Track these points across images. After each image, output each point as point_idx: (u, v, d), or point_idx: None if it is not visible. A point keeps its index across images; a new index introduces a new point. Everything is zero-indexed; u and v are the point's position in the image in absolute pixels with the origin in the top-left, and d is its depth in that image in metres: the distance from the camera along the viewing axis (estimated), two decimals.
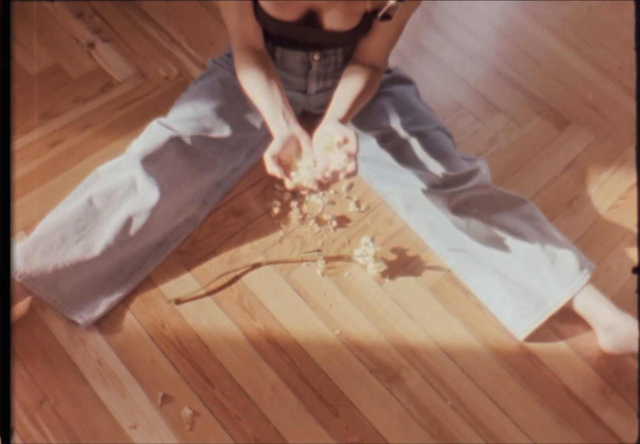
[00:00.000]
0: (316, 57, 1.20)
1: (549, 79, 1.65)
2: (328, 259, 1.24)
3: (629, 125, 1.56)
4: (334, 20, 1.07)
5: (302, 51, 1.19)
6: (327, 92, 1.29)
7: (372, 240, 1.27)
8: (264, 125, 1.28)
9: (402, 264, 1.26)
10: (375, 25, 1.10)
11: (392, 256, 1.26)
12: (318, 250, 1.25)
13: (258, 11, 1.09)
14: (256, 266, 1.23)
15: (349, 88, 1.12)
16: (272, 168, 0.96)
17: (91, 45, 1.54)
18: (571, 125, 1.55)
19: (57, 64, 1.49)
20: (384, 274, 1.24)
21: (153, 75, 1.50)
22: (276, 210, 1.29)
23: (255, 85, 1.09)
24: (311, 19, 1.07)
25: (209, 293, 1.19)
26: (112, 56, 1.52)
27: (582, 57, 1.71)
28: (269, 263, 1.23)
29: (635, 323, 1.11)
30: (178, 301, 1.17)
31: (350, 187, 1.35)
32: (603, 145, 1.52)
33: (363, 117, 1.30)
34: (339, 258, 1.25)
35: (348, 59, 1.22)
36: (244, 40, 1.12)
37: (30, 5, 1.58)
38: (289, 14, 1.07)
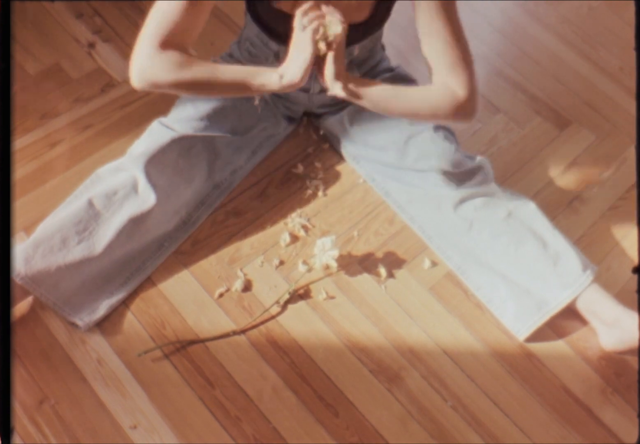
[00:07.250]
0: None
1: (549, 79, 1.65)
2: (294, 293, 1.20)
3: (629, 125, 1.56)
4: (345, 12, 1.06)
5: None
6: None
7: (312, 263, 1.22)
8: (266, 126, 1.29)
9: (403, 264, 1.26)
10: (422, 29, 1.06)
11: (392, 257, 1.27)
12: (289, 293, 1.19)
13: (264, 11, 1.07)
14: (225, 335, 1.14)
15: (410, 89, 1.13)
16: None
17: (91, 45, 1.54)
18: (571, 126, 1.55)
19: (57, 64, 1.49)
20: (383, 277, 1.23)
21: None
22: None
23: (206, 65, 1.02)
24: None
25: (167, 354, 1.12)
26: (113, 56, 1.52)
27: (582, 58, 1.71)
28: (242, 330, 1.15)
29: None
30: (147, 352, 1.10)
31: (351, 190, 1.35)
32: (603, 146, 1.52)
33: (365, 114, 1.30)
34: (305, 287, 1.21)
35: (352, 61, 1.21)
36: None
37: (30, 5, 1.58)
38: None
